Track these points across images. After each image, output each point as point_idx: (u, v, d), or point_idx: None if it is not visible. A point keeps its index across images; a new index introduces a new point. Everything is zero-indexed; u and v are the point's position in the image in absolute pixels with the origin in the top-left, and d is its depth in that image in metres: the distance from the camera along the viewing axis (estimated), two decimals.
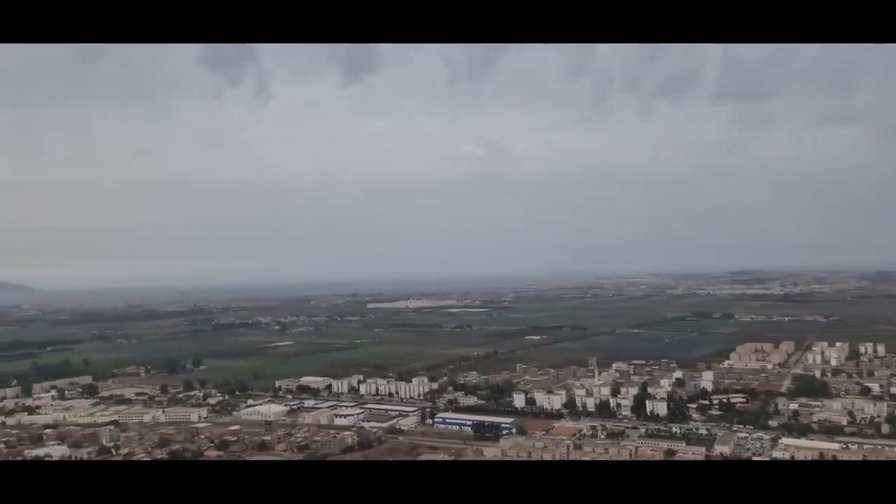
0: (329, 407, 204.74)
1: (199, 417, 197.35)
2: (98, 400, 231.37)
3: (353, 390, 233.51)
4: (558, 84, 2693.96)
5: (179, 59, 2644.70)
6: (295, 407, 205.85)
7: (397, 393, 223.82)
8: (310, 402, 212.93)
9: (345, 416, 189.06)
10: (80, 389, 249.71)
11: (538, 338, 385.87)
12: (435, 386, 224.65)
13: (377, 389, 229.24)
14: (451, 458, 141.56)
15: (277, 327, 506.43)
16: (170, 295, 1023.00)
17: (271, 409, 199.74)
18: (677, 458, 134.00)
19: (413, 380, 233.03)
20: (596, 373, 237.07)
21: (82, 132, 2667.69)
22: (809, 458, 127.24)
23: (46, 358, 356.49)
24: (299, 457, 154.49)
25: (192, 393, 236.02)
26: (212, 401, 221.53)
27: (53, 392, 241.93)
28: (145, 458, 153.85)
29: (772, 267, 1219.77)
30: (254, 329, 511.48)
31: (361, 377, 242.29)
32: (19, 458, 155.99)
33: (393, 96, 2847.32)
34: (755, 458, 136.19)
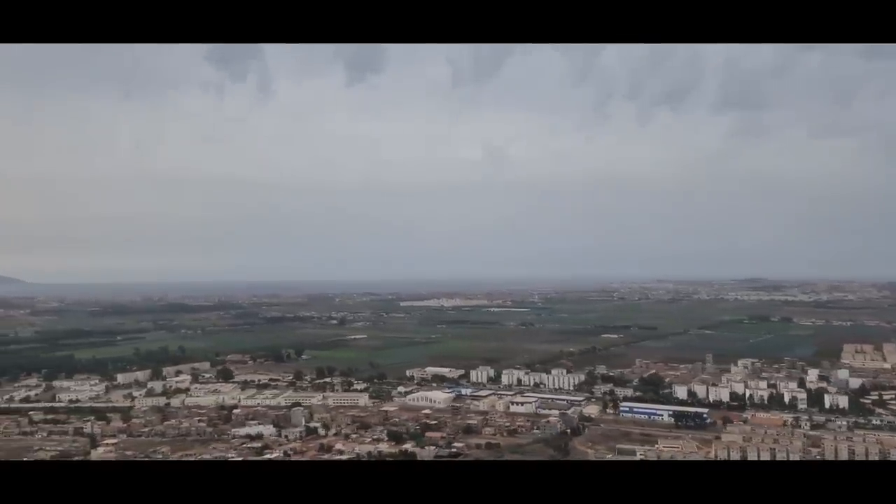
0: (490, 394, 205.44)
1: (365, 403, 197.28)
2: (238, 384, 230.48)
3: (492, 380, 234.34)
4: (561, 88, 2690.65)
5: (184, 54, 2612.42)
6: (456, 394, 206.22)
7: (542, 383, 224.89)
8: (466, 391, 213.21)
9: (521, 403, 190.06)
10: (207, 374, 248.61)
11: (615, 336, 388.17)
12: (582, 378, 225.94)
13: (518, 379, 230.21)
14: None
15: (335, 322, 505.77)
16: (180, 290, 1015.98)
17: (438, 395, 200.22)
18: None
19: (552, 371, 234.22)
20: (732, 368, 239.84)
21: (80, 124, 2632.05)
22: None
23: (126, 346, 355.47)
24: (512, 440, 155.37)
25: (326, 380, 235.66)
26: (358, 387, 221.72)
27: (185, 376, 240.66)
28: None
29: (774, 275, 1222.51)
30: (307, 323, 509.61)
31: (490, 368, 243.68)
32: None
33: (396, 97, 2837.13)
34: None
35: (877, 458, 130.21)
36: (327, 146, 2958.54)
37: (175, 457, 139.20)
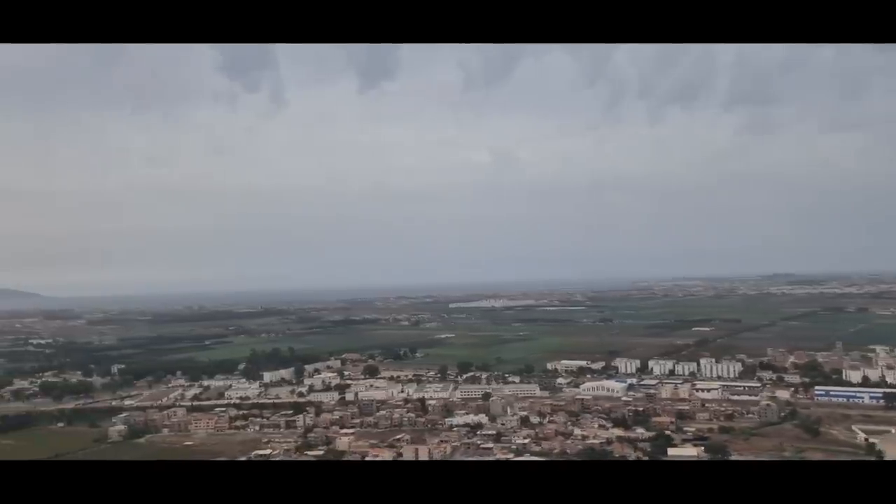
0: (656, 383, 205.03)
1: (539, 393, 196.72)
2: (386, 379, 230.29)
3: (640, 370, 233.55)
4: (573, 90, 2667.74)
5: (198, 65, 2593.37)
6: (628, 383, 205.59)
7: (696, 372, 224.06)
8: (631, 380, 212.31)
9: (707, 389, 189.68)
10: (347, 372, 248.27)
11: (706, 329, 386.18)
12: (739, 366, 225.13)
13: (670, 369, 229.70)
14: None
15: (406, 323, 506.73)
16: (209, 299, 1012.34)
17: (612, 384, 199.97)
18: None
19: (700, 360, 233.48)
20: (878, 355, 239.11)
21: (95, 138, 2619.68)
22: None
23: (222, 349, 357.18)
24: (738, 424, 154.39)
25: (472, 374, 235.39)
26: (514, 379, 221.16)
27: (329, 373, 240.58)
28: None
29: (795, 270, 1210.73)
30: (377, 325, 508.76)
31: (636, 360, 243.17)
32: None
33: (408, 102, 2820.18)
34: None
35: None
36: (338, 153, 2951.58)
37: (421, 448, 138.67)
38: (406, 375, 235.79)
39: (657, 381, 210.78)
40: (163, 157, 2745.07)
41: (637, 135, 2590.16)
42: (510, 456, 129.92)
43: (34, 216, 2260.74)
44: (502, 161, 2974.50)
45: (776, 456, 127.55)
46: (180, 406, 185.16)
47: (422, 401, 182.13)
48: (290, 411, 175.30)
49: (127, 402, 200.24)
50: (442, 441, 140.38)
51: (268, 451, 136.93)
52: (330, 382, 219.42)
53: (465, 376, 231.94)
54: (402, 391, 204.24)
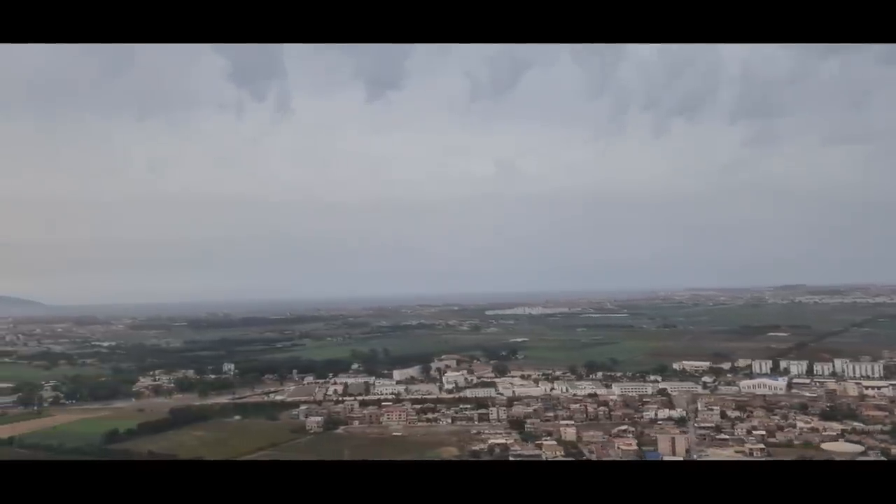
0: (807, 382, 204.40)
1: (698, 391, 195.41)
2: (515, 377, 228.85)
3: (773, 370, 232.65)
4: (579, 101, 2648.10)
5: (206, 73, 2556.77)
6: (787, 381, 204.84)
7: (839, 372, 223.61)
8: (781, 379, 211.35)
9: (878, 387, 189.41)
10: (476, 371, 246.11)
11: (784, 334, 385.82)
12: (880, 366, 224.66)
13: (807, 369, 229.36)
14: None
15: (464, 328, 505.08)
16: (224, 307, 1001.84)
17: (772, 382, 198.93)
18: None
19: (834, 361, 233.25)
20: None
21: (100, 146, 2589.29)
22: None
23: (297, 351, 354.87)
24: None
25: (605, 373, 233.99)
26: (655, 378, 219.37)
27: (456, 372, 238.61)
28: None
29: (801, 282, 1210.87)
30: (435, 330, 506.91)
31: (769, 360, 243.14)
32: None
33: (415, 113, 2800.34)
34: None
35: None
36: (344, 164, 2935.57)
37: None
38: (537, 374, 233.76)
39: (809, 379, 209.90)
40: (162, 165, 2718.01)
41: (641, 146, 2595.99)
42: (760, 446, 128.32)
43: (32, 223, 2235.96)
44: (506, 171, 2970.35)
45: None
46: (346, 400, 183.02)
47: (594, 395, 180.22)
48: (468, 406, 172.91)
49: (277, 398, 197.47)
50: (683, 431, 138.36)
51: (502, 440, 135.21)
52: (471, 380, 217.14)
53: (598, 374, 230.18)
54: (553, 388, 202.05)
